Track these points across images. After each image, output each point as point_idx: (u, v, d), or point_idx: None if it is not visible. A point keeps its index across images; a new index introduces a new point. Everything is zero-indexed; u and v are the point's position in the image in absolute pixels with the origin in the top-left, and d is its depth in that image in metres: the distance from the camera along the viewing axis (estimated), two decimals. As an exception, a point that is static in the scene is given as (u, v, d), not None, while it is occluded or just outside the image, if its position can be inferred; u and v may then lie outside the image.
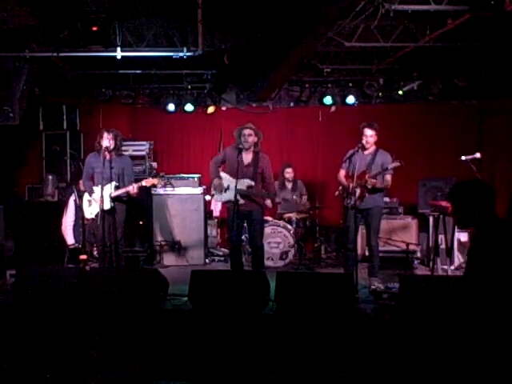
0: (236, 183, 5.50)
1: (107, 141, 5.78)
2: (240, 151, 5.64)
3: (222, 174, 5.83)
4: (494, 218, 2.90)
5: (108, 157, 5.74)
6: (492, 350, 2.58)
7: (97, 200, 5.71)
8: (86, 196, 5.99)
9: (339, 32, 6.25)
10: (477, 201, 2.87)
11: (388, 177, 5.75)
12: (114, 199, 5.76)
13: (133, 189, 5.72)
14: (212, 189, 5.90)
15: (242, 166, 5.66)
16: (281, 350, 4.03)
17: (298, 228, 7.49)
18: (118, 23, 6.27)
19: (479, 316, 2.66)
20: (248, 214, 5.72)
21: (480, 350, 2.60)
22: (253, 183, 5.69)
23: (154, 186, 6.45)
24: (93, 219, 5.95)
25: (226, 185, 5.69)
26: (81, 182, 6.72)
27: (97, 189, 5.77)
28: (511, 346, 2.56)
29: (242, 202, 5.61)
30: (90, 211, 5.94)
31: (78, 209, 6.84)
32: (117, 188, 5.74)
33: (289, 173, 7.86)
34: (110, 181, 5.71)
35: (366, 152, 5.82)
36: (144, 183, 5.80)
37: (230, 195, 5.61)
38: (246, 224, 6.02)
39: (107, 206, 5.70)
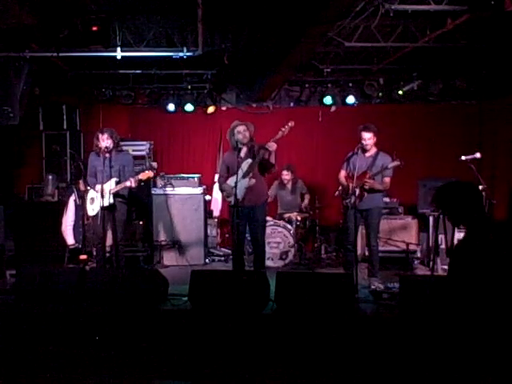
0: (237, 180, 5.50)
1: (104, 142, 5.84)
2: (239, 150, 5.66)
3: (230, 180, 5.79)
4: (484, 218, 2.92)
5: (108, 155, 5.78)
6: (482, 349, 2.58)
7: (99, 196, 5.76)
8: (89, 194, 6.04)
9: (339, 32, 6.25)
10: (464, 201, 2.90)
11: (387, 179, 5.76)
12: (114, 195, 5.80)
13: (131, 183, 5.77)
14: (226, 197, 5.89)
15: (241, 160, 5.67)
16: (281, 350, 4.03)
17: (298, 228, 7.49)
18: (117, 23, 6.26)
19: (462, 315, 2.67)
20: (250, 212, 5.70)
21: (469, 349, 2.61)
22: (250, 160, 5.65)
23: (150, 179, 6.45)
24: (94, 217, 5.98)
25: (233, 184, 5.60)
26: (81, 181, 6.74)
27: (99, 187, 5.83)
28: (501, 344, 2.56)
29: (250, 183, 5.56)
30: (92, 208, 5.97)
31: (78, 209, 6.86)
32: (117, 183, 5.79)
33: (284, 175, 7.84)
34: (110, 178, 5.75)
35: (366, 154, 5.83)
36: (140, 177, 5.82)
37: (238, 191, 5.55)
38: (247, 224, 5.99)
39: (107, 202, 5.75)
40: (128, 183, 5.78)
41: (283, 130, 5.60)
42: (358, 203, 5.63)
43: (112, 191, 5.77)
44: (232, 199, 5.66)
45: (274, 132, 8.59)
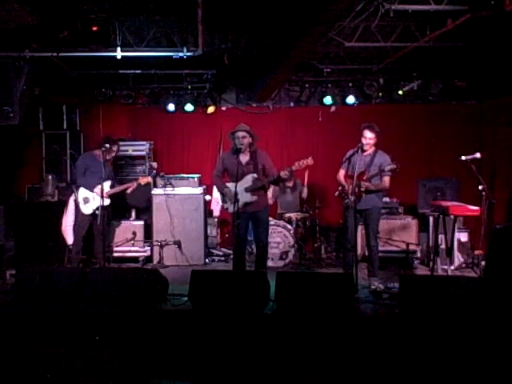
0: (236, 184, 5.49)
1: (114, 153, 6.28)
2: (238, 152, 5.66)
3: (228, 185, 5.78)
4: None
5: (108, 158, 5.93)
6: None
7: (96, 196, 5.83)
8: (80, 193, 6.18)
9: (339, 32, 6.25)
10: None
11: (386, 178, 5.75)
12: (110, 197, 5.88)
13: (132, 186, 5.85)
14: (223, 201, 5.88)
15: (242, 167, 5.67)
16: (281, 349, 4.03)
17: (298, 228, 7.49)
18: (118, 23, 6.26)
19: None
20: (253, 215, 5.72)
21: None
22: (256, 175, 5.67)
23: (149, 184, 6.52)
24: (87, 216, 6.10)
25: (234, 191, 5.57)
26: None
27: (98, 188, 5.91)
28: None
29: (252, 199, 5.59)
30: (86, 206, 6.20)
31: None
32: (112, 187, 5.86)
33: (288, 183, 7.79)
34: (108, 179, 5.86)
35: (365, 153, 5.83)
36: (139, 181, 5.89)
37: (242, 199, 5.55)
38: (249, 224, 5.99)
39: (106, 202, 5.86)
40: (127, 185, 5.86)
41: (300, 163, 5.45)
42: (357, 203, 5.63)
43: (108, 193, 5.86)
44: (229, 206, 5.68)
45: (274, 132, 8.69)
